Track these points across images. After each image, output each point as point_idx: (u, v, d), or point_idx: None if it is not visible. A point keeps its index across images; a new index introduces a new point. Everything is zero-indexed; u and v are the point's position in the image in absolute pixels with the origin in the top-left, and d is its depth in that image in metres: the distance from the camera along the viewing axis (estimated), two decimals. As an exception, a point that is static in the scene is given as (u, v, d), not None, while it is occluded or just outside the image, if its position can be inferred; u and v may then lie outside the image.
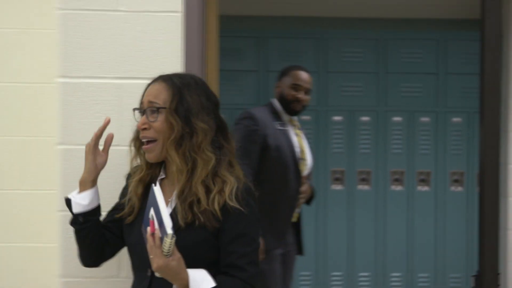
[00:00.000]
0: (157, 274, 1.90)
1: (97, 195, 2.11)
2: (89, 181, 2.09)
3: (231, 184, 1.98)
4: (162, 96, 1.99)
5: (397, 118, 5.17)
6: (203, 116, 2.00)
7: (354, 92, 5.15)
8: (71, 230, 2.10)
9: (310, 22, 5.21)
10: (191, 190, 1.98)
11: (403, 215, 5.17)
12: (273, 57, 5.10)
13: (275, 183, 3.37)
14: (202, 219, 1.96)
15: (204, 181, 1.98)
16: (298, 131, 3.57)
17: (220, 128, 2.06)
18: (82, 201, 2.07)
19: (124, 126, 2.24)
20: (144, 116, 2.01)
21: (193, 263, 1.94)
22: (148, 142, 2.01)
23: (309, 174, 3.60)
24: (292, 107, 3.49)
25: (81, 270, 2.21)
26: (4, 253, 2.49)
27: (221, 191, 1.98)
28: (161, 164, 2.08)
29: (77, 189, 2.10)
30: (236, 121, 3.40)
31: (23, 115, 2.49)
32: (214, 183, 1.98)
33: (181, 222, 1.96)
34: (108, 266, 2.23)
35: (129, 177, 2.15)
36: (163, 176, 2.07)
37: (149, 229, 1.84)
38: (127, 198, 2.08)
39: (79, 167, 2.18)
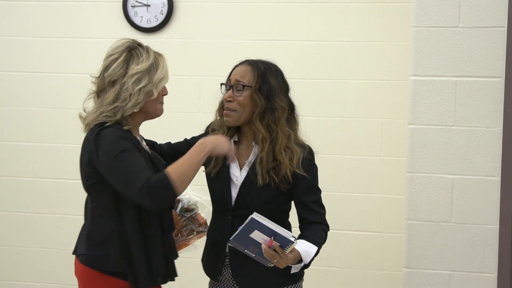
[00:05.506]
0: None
1: None
2: None
3: (298, 155, 2.46)
4: (247, 76, 2.47)
5: None
6: (281, 96, 2.49)
7: None
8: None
9: None
10: (270, 156, 2.44)
11: None
12: None
13: None
14: (277, 181, 2.44)
15: (281, 150, 2.44)
16: None
17: (291, 107, 2.54)
18: None
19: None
20: (231, 90, 2.49)
21: (270, 214, 2.36)
22: (230, 111, 2.48)
23: None
24: None
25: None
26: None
27: (291, 161, 2.44)
28: (236, 131, 2.56)
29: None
30: None
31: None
32: (286, 153, 2.45)
33: (260, 182, 2.44)
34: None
35: (207, 129, 2.64)
36: (236, 139, 2.55)
37: (264, 245, 2.26)
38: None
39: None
